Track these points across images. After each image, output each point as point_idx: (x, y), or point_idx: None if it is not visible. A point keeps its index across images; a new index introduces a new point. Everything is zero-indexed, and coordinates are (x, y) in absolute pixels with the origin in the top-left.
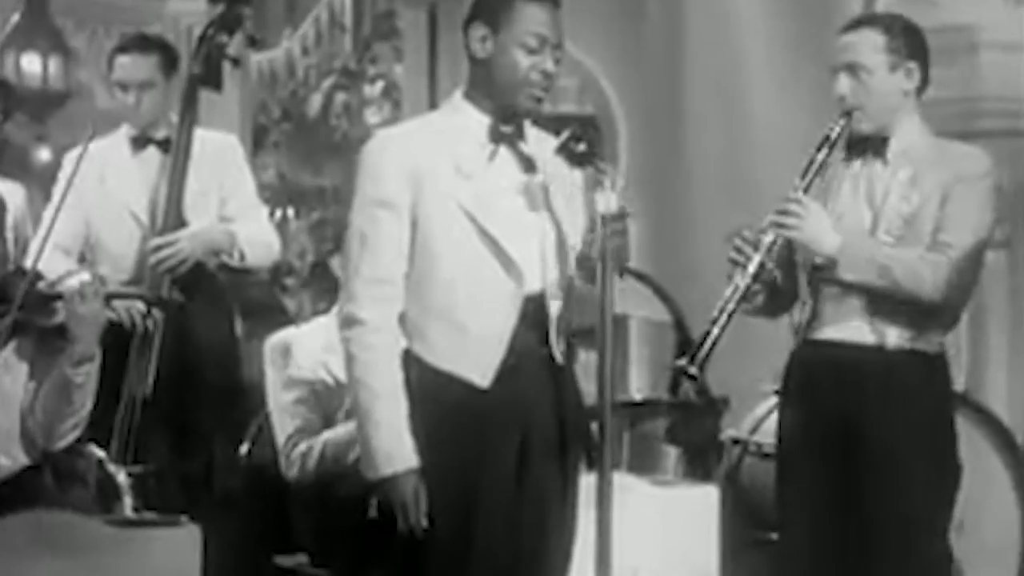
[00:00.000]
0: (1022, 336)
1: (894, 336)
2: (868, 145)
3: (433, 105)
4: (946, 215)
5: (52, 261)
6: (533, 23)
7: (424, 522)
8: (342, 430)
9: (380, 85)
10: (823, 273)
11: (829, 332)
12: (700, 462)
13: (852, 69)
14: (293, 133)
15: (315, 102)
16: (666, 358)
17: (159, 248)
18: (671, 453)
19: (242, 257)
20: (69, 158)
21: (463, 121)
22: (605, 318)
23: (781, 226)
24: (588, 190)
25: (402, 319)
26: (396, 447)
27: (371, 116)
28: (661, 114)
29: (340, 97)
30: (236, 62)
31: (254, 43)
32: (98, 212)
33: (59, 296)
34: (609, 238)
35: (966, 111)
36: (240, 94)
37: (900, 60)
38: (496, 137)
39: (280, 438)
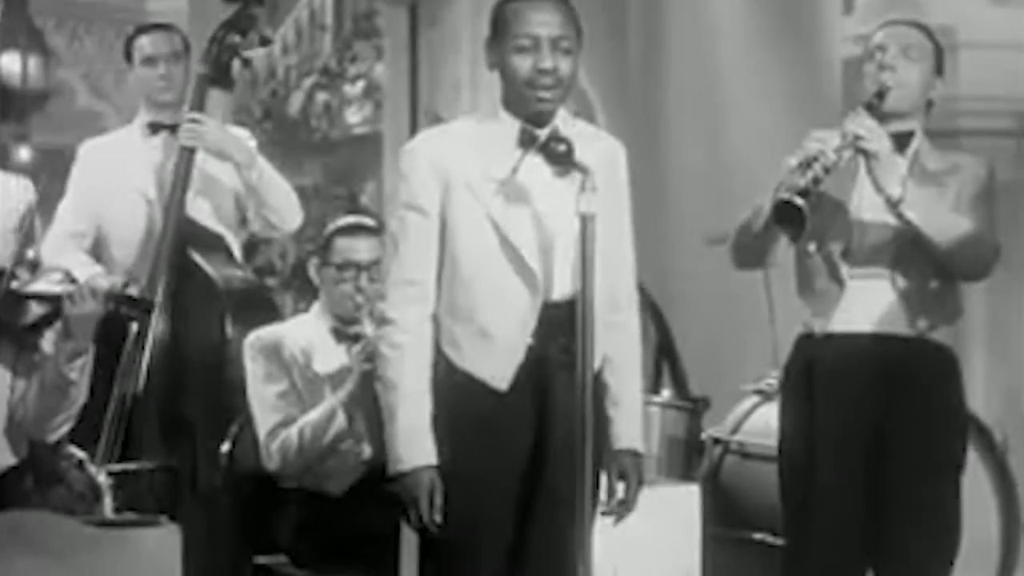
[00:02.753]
0: (999, 339)
1: (924, 323)
2: (890, 135)
3: (414, 104)
4: (962, 207)
5: (64, 252)
6: (521, 24)
7: (438, 519)
8: (316, 412)
9: (361, 85)
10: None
11: (858, 322)
12: (681, 462)
13: (907, 49)
14: (274, 133)
15: (295, 102)
16: (646, 357)
17: (191, 121)
18: (652, 453)
19: (259, 176)
20: (85, 147)
21: (498, 126)
22: (585, 318)
23: (858, 137)
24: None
25: (434, 319)
26: (415, 443)
27: (352, 116)
28: (642, 116)
29: (321, 97)
30: (247, 62)
31: (265, 43)
32: (110, 198)
33: (33, 296)
34: (589, 238)
35: (946, 111)
36: (220, 94)
37: (936, 70)
38: (525, 142)
39: (261, 432)
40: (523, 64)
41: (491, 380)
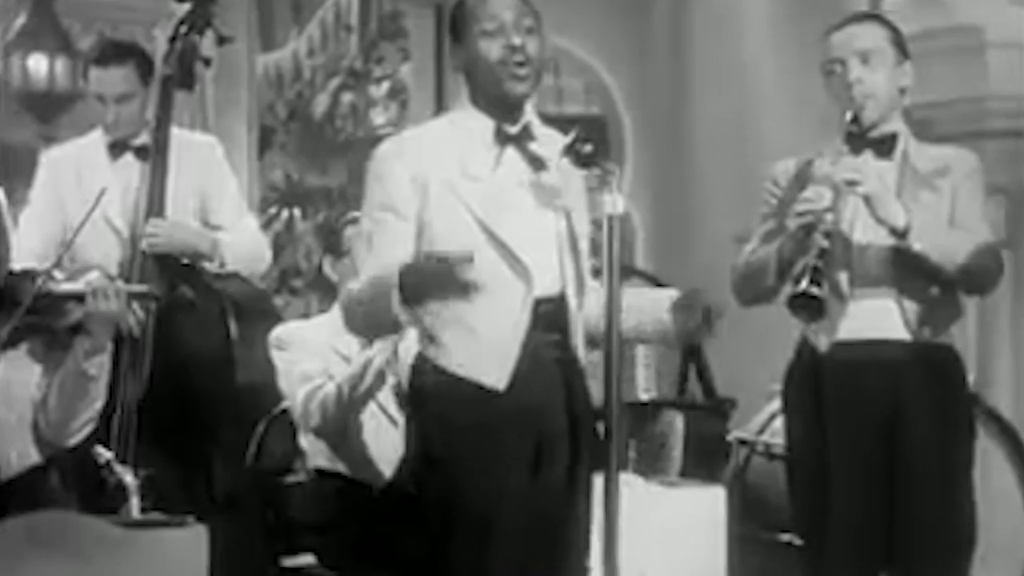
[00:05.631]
0: (1023, 339)
1: (928, 331)
2: (873, 141)
3: (440, 105)
4: (957, 210)
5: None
6: (484, 10)
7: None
8: (352, 365)
9: (386, 86)
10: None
11: (862, 331)
12: (707, 463)
13: (865, 56)
14: (299, 134)
15: (321, 103)
16: (673, 358)
17: (151, 226)
18: (678, 454)
19: (222, 264)
20: (48, 158)
21: (470, 125)
22: (612, 319)
23: (852, 183)
24: (595, 191)
25: (415, 323)
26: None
27: (377, 117)
28: (667, 114)
29: (346, 98)
30: (208, 62)
31: (223, 42)
32: (75, 218)
33: (72, 296)
34: (615, 239)
35: (973, 111)
36: (247, 95)
37: (900, 57)
38: (501, 139)
39: (299, 397)
40: (492, 47)
41: (487, 379)
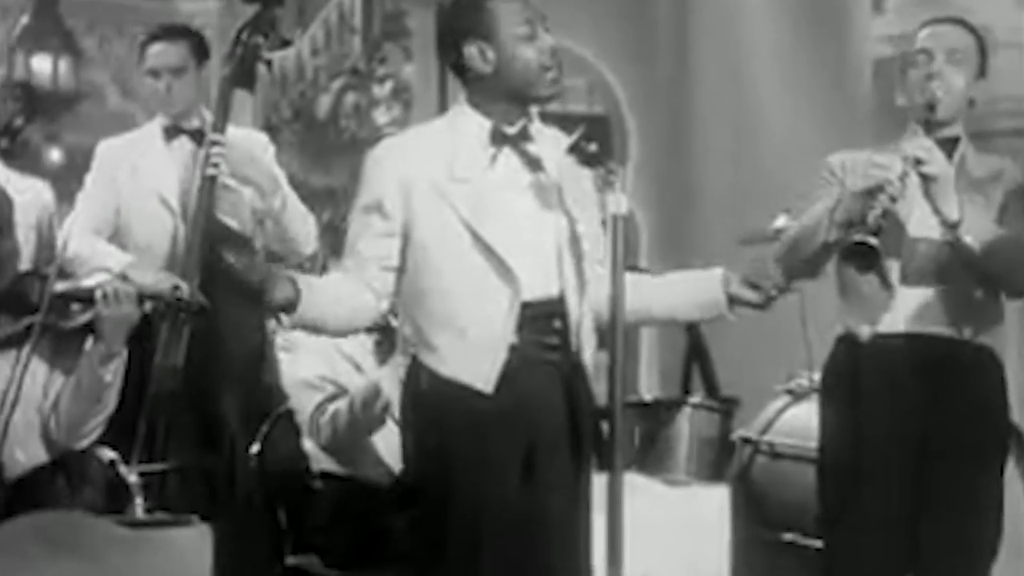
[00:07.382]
0: None
1: (969, 330)
2: (937, 142)
3: (443, 105)
4: (1004, 215)
5: (84, 243)
6: (515, 14)
7: None
8: (366, 381)
9: (390, 85)
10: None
11: (904, 325)
12: (711, 462)
13: (952, 54)
14: (303, 133)
15: (324, 103)
16: (677, 359)
17: (212, 144)
18: (682, 453)
19: (283, 205)
20: (104, 146)
21: (464, 127)
22: (616, 318)
23: (919, 161)
24: (599, 190)
25: (410, 328)
26: None
27: (380, 116)
28: (670, 113)
29: (350, 98)
30: (269, 64)
31: (286, 45)
32: (129, 201)
33: (80, 298)
34: (619, 238)
35: (979, 111)
36: (251, 94)
37: (980, 70)
38: (498, 140)
39: (308, 409)
40: (528, 51)
41: (474, 381)
